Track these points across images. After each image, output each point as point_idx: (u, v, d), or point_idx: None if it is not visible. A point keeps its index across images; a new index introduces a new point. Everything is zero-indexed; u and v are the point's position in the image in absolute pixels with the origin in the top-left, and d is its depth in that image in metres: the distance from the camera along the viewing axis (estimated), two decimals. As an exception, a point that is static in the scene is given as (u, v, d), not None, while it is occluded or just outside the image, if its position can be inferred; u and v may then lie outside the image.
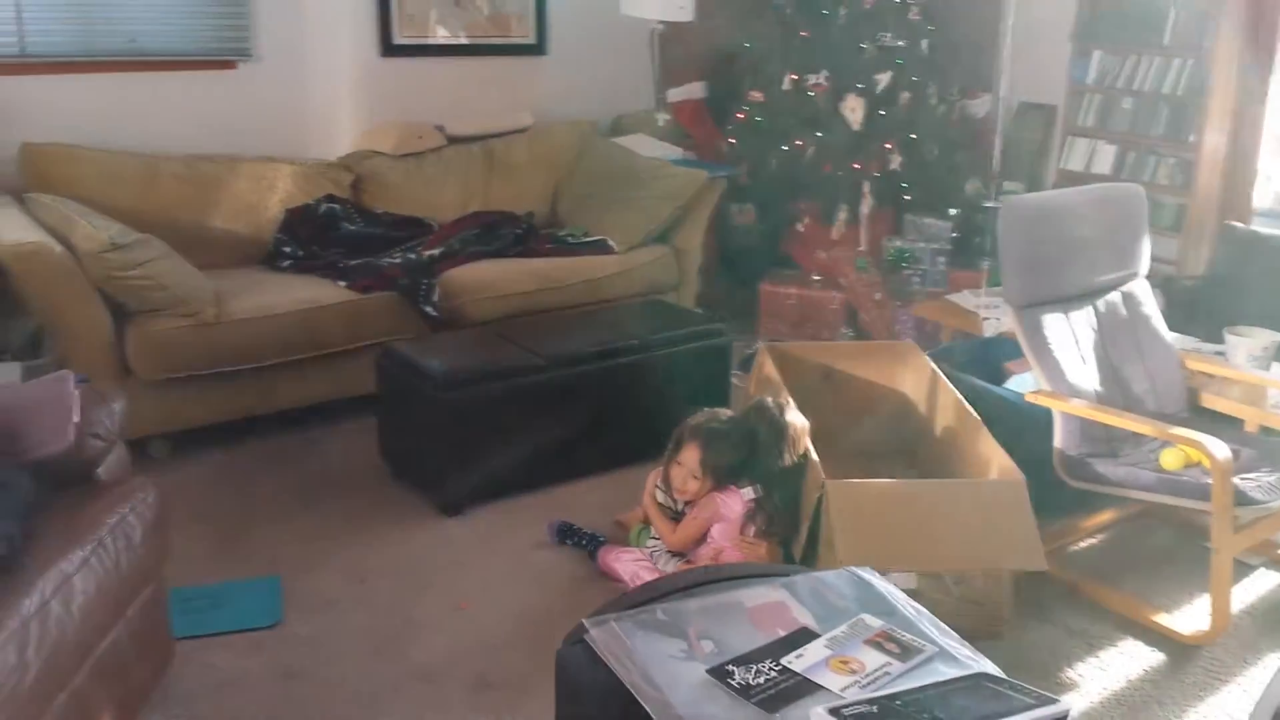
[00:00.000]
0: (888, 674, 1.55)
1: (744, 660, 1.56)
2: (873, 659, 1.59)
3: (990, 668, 1.58)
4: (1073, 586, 2.99)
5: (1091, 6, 5.12)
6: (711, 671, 1.53)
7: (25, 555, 2.03)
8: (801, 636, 1.63)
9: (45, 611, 1.96)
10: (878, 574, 1.75)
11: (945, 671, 1.56)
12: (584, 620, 1.65)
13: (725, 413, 3.02)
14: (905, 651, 1.61)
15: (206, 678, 2.51)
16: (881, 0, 4.86)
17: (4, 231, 3.32)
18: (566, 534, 3.11)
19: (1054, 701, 1.44)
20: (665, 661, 1.54)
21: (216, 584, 2.88)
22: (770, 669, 1.54)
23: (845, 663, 1.57)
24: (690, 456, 2.91)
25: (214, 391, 3.63)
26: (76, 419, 2.30)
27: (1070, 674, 2.63)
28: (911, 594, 2.67)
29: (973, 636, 2.65)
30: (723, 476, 2.92)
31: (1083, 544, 3.27)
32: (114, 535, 2.21)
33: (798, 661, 1.57)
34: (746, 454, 2.91)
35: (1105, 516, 3.37)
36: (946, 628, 1.70)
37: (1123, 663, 2.68)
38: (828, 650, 1.60)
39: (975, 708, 1.42)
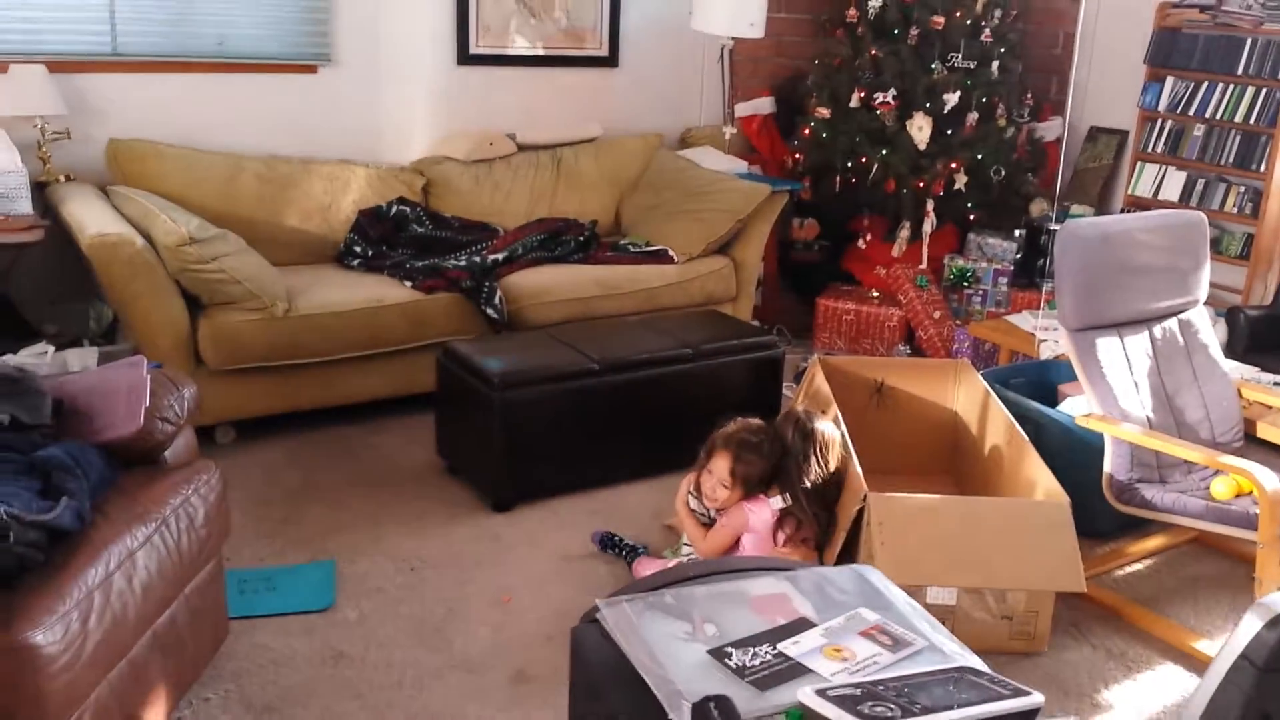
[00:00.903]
0: (876, 663, 1.63)
1: (742, 644, 1.65)
2: (864, 649, 1.66)
3: (976, 663, 1.63)
4: (1116, 610, 2.98)
5: (1166, 33, 5.06)
6: (712, 652, 1.62)
7: (93, 530, 2.14)
8: (799, 625, 1.71)
9: (109, 584, 2.07)
10: (879, 572, 1.82)
11: (932, 664, 1.63)
12: (598, 600, 1.75)
13: (756, 422, 3.04)
14: (896, 644, 1.68)
15: (258, 657, 2.61)
16: (952, 21, 4.87)
17: (88, 223, 3.46)
18: (608, 543, 3.16)
19: (1028, 694, 1.49)
20: (669, 641, 1.63)
21: (272, 567, 2.99)
22: (767, 653, 1.63)
23: (838, 650, 1.64)
24: (721, 465, 2.94)
25: (280, 383, 3.76)
26: (147, 403, 2.41)
27: (1106, 695, 2.63)
28: (950, 610, 2.72)
29: (1012, 654, 2.71)
30: (752, 486, 2.94)
31: (1130, 568, 3.25)
32: (177, 515, 2.32)
33: (793, 647, 1.65)
34: (776, 463, 2.95)
35: (1155, 542, 3.35)
36: (940, 625, 1.75)
37: (1159, 688, 2.67)
38: (823, 639, 1.68)
39: (952, 695, 1.48)
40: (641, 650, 1.60)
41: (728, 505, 2.95)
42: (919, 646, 1.67)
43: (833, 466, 2.94)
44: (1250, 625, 1.46)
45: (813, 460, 2.90)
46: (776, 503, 2.88)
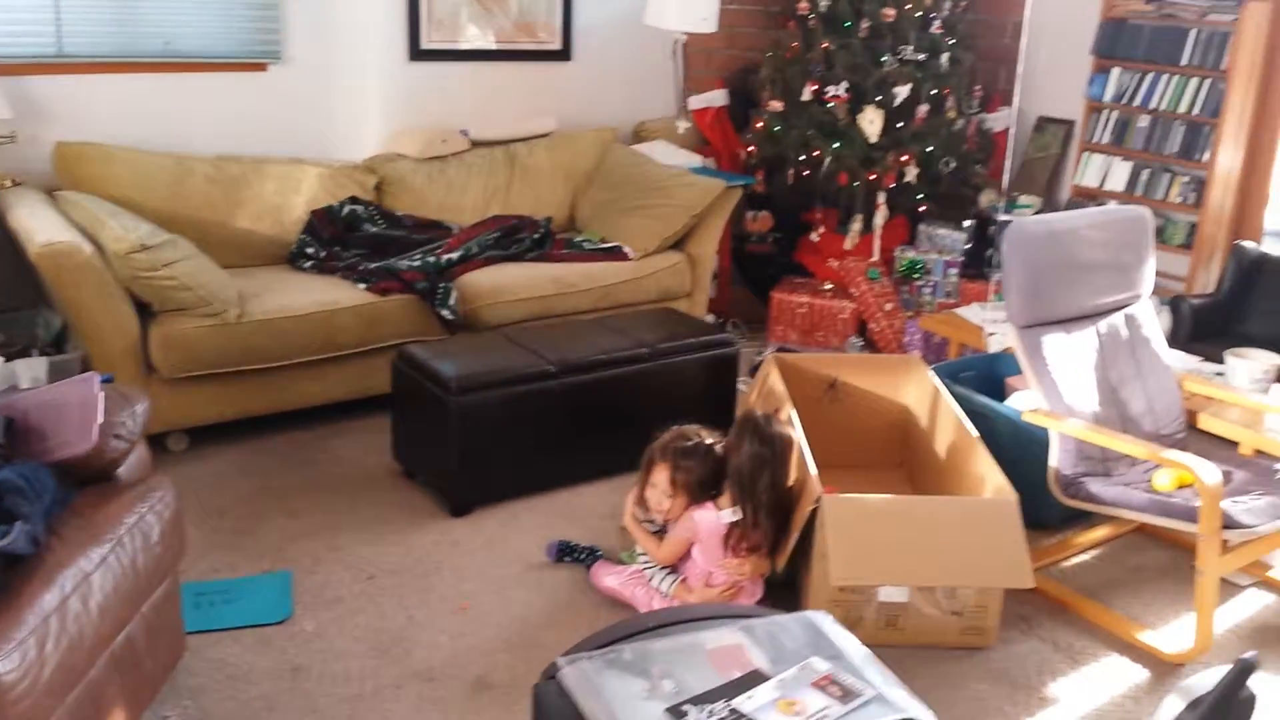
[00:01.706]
0: (826, 716, 1.69)
1: (699, 700, 1.70)
2: (815, 701, 1.72)
3: (923, 713, 1.69)
4: (1064, 602, 3.05)
5: (1112, 24, 5.13)
6: (669, 710, 1.67)
7: (47, 552, 2.13)
8: (754, 678, 1.77)
9: (65, 608, 2.06)
10: (830, 618, 1.88)
11: (881, 714, 1.69)
12: (558, 659, 1.79)
13: (693, 429, 3.04)
14: (846, 694, 1.74)
15: (215, 672, 2.62)
16: (903, 14, 4.90)
17: (36, 231, 3.42)
18: (565, 551, 3.17)
19: None
20: (628, 700, 1.68)
21: (229, 579, 2.99)
22: (723, 709, 1.69)
23: (791, 704, 1.70)
24: (660, 476, 2.96)
25: (233, 389, 3.74)
26: (100, 420, 2.39)
27: (1053, 688, 2.69)
28: (902, 607, 2.78)
29: (962, 649, 2.77)
30: (695, 492, 2.95)
31: (1076, 560, 3.33)
32: (132, 534, 2.31)
33: (748, 703, 1.70)
34: (716, 468, 2.95)
35: (1100, 533, 3.43)
36: (889, 672, 1.81)
37: (1105, 679, 2.74)
38: (776, 693, 1.74)
39: None
40: (601, 710, 1.65)
41: (674, 514, 2.97)
42: (868, 697, 1.73)
43: (793, 476, 2.94)
44: (1172, 706, 1.52)
45: (774, 470, 2.88)
46: (728, 515, 2.88)
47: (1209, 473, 2.72)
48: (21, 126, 3.98)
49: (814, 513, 2.80)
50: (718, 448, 3.00)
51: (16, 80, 3.98)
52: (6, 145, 3.94)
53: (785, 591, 2.97)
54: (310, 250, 4.28)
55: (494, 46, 5.10)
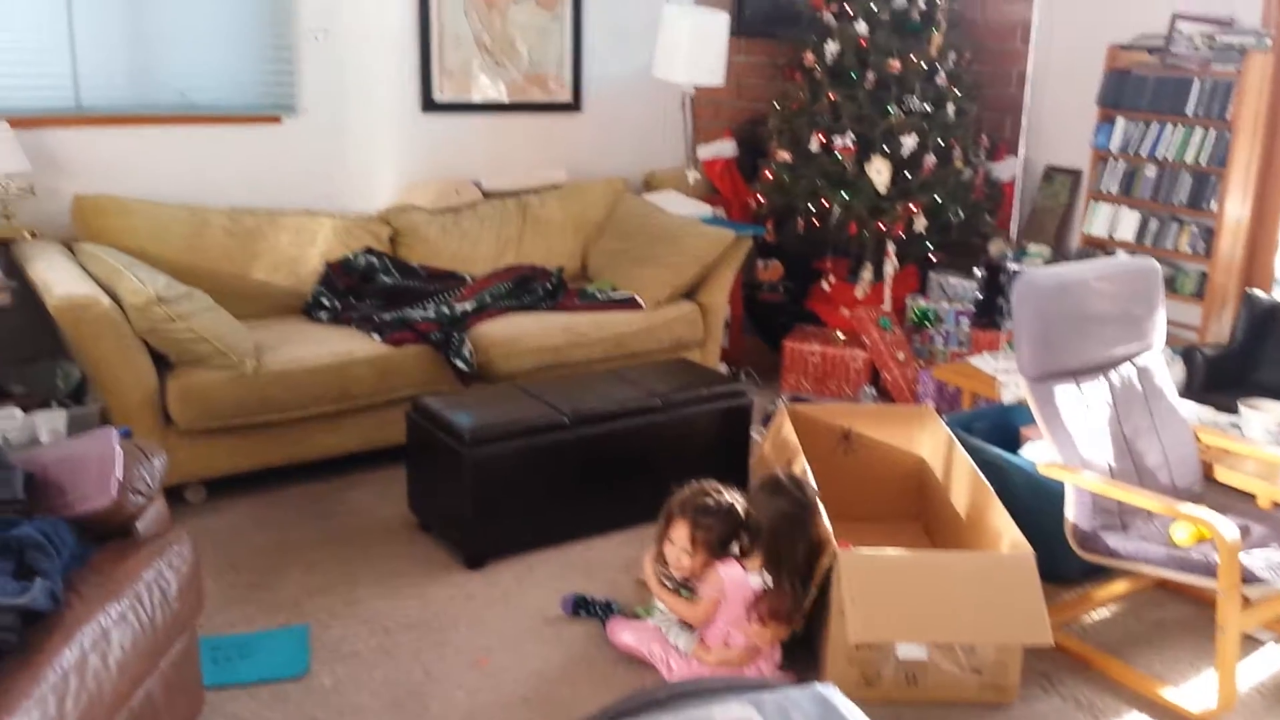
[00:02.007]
0: None
1: None
2: None
3: None
4: (1084, 658, 3.03)
5: (1116, 74, 5.18)
6: None
7: (66, 608, 2.13)
8: None
9: (84, 664, 2.06)
10: (839, 692, 1.85)
11: None
12: None
13: (713, 485, 3.00)
14: None
15: (234, 727, 2.61)
16: (908, 65, 4.96)
17: (55, 284, 3.46)
18: (580, 606, 3.15)
19: None
20: None
21: (246, 634, 2.98)
22: None
23: None
24: (680, 534, 2.92)
25: (249, 440, 3.75)
26: (119, 476, 2.40)
27: (1075, 747, 2.67)
28: (922, 664, 2.76)
29: (983, 705, 2.75)
30: (715, 550, 2.91)
31: (1096, 615, 3.31)
32: (150, 590, 2.31)
33: None
34: (736, 526, 2.92)
35: (1119, 587, 3.41)
36: None
37: (1127, 737, 2.72)
38: None
39: None
40: None
41: (696, 571, 2.93)
42: None
43: (820, 536, 2.91)
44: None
45: (806, 532, 2.84)
46: (757, 580, 2.82)
47: (1227, 528, 2.71)
48: (40, 179, 4.03)
49: (830, 568, 2.79)
50: (738, 506, 2.97)
51: (35, 133, 4.04)
52: (25, 198, 3.98)
53: (801, 649, 2.95)
54: (326, 301, 4.31)
55: (505, 99, 5.17)
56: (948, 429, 3.53)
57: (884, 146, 4.97)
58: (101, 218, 4.05)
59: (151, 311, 3.47)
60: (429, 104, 4.95)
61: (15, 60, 4.01)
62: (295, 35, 4.54)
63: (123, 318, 3.48)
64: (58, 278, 3.52)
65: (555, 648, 2.99)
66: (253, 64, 4.50)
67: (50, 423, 3.49)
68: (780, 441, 3.53)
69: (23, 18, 3.98)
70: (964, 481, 3.34)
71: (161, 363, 3.60)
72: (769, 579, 2.82)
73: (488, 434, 3.37)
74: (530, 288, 4.58)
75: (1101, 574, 3.39)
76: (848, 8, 5.06)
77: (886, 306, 5.11)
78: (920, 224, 4.99)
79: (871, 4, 4.99)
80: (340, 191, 4.76)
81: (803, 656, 2.90)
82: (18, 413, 3.50)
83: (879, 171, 4.94)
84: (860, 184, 4.99)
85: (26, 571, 2.15)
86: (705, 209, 5.21)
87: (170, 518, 2.64)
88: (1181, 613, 3.32)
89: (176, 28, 4.28)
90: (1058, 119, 5.55)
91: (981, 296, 5.15)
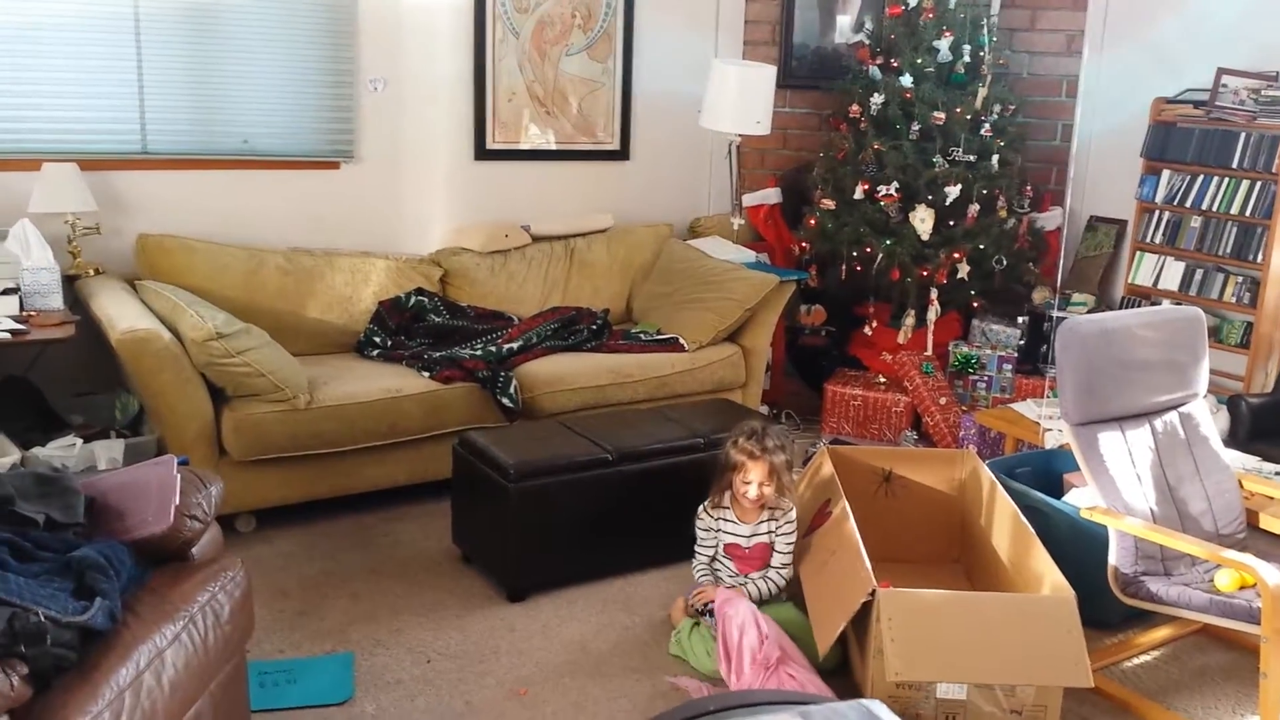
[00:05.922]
0: None
1: None
2: None
3: None
4: (1125, 704, 3.01)
5: (1161, 128, 5.20)
6: None
7: (123, 628, 2.20)
8: None
9: (139, 683, 2.12)
10: (886, 708, 1.86)
11: None
12: None
13: (750, 427, 3.35)
14: None
15: (279, 750, 2.66)
16: (953, 117, 5.01)
17: (118, 318, 3.58)
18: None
19: None
20: None
21: (292, 659, 3.05)
22: None
23: None
24: (759, 471, 3.24)
25: (300, 472, 3.84)
26: (177, 502, 2.48)
27: (1115, 793, 2.66)
28: (961, 705, 2.76)
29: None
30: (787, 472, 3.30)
31: (1138, 660, 3.29)
32: (204, 612, 2.38)
33: None
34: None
35: (1162, 633, 3.39)
36: None
37: (1169, 784, 2.70)
38: None
39: None
40: None
41: (772, 498, 3.28)
42: None
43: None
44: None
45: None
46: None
47: (1271, 574, 2.70)
48: (106, 219, 4.18)
49: (869, 605, 2.81)
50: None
51: (102, 175, 4.20)
52: (91, 236, 4.13)
53: (840, 680, 2.96)
54: (377, 339, 4.41)
55: (555, 147, 5.28)
56: (989, 472, 3.54)
57: (928, 195, 5.02)
58: (164, 256, 4.19)
59: (211, 347, 3.58)
60: (481, 151, 5.08)
61: (87, 106, 4.18)
62: (355, 84, 4.69)
63: (182, 352, 3.59)
64: (121, 312, 3.65)
65: (594, 680, 3.03)
66: (313, 112, 4.64)
67: (108, 452, 3.59)
68: (819, 480, 3.55)
69: (95, 66, 4.16)
70: (1006, 524, 3.34)
71: (218, 395, 3.70)
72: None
73: (532, 469, 3.43)
74: (576, 329, 4.66)
75: (1143, 620, 3.38)
76: (893, 61, 5.13)
77: (929, 351, 5.13)
78: (963, 271, 5.01)
79: (917, 58, 5.06)
80: (394, 234, 4.88)
81: (841, 690, 2.91)
82: (77, 442, 3.61)
83: (922, 220, 4.98)
84: (904, 231, 5.03)
85: (86, 591, 2.22)
86: (749, 254, 5.27)
87: (224, 544, 2.72)
88: (1224, 659, 3.29)
89: (240, 77, 4.44)
90: (1102, 171, 5.57)
91: (1024, 343, 5.15)
